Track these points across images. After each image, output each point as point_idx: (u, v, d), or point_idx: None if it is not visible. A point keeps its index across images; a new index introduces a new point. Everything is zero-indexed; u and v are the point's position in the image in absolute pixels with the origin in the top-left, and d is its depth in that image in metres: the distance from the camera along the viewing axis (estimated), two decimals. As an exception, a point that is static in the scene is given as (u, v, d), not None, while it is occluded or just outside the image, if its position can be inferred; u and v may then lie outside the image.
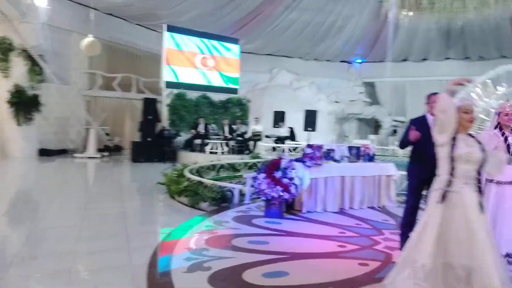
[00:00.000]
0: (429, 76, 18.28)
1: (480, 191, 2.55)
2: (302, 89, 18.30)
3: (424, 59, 18.71)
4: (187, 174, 7.07)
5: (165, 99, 13.94)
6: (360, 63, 20.13)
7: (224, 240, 4.24)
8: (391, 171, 6.45)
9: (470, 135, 2.65)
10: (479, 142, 2.60)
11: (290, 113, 15.23)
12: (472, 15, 10.81)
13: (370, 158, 6.53)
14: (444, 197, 2.49)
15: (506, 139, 3.61)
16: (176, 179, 6.97)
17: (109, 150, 13.89)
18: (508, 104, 3.83)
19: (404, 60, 18.93)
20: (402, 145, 4.26)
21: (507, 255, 3.45)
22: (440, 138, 2.58)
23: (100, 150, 13.16)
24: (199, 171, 8.55)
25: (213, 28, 14.60)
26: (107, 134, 14.46)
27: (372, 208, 6.15)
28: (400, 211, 4.60)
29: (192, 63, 14.28)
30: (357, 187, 6.05)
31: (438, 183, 2.58)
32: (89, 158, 12.34)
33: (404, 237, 4.07)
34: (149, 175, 9.33)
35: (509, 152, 3.58)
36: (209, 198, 5.80)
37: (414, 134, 3.80)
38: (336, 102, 19.05)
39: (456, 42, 16.96)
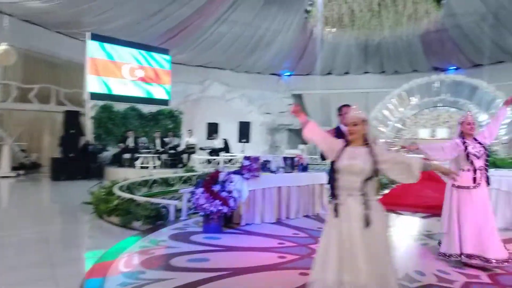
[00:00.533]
0: (351, 88, 19.53)
1: (366, 203, 2.42)
2: (234, 100, 18.45)
3: (346, 73, 19.98)
4: (117, 191, 6.65)
5: (89, 111, 13.07)
6: (288, 76, 20.88)
7: (162, 260, 4.03)
8: (323, 180, 6.72)
9: (367, 145, 2.56)
10: (372, 153, 2.50)
11: (224, 124, 15.23)
12: (387, 33, 11.75)
13: (304, 168, 6.74)
14: (336, 210, 2.47)
15: (466, 148, 4.00)
16: (104, 198, 6.53)
17: (26, 168, 12.58)
18: (470, 115, 4.25)
19: (329, 73, 20.02)
20: (323, 157, 4.45)
21: (469, 256, 3.77)
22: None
23: (15, 169, 11.89)
24: (130, 188, 8.11)
25: (141, 38, 14.10)
26: (23, 151, 13.07)
27: (307, 216, 6.34)
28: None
29: (119, 73, 13.62)
30: (293, 197, 6.19)
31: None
32: (2, 178, 11.08)
33: None
34: (72, 194, 8.64)
35: (468, 159, 3.98)
36: (143, 216, 5.51)
37: None
38: (267, 113, 19.49)
39: (374, 57, 18.42)
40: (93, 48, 12.91)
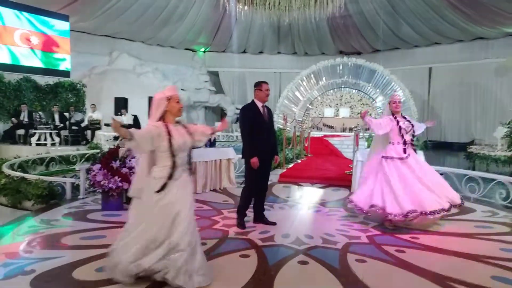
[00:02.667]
0: (265, 68, 20.02)
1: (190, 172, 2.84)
2: (146, 74, 17.59)
3: (261, 52, 20.36)
4: (5, 170, 6.03)
5: (-27, 82, 11.44)
6: (203, 52, 20.55)
7: (52, 240, 3.80)
8: (231, 155, 6.87)
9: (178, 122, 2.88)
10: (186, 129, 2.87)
11: (134, 100, 14.49)
12: (296, 14, 12.18)
13: (212, 144, 6.80)
14: (164, 186, 2.69)
15: (398, 123, 4.49)
16: (-10, 177, 5.88)
17: None
18: (396, 95, 4.78)
19: (244, 52, 20.20)
20: (244, 137, 4.48)
21: (410, 212, 4.16)
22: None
23: None
24: (22, 166, 7.41)
25: (36, 1, 12.55)
26: None
27: (214, 190, 6.46)
28: (238, 192, 4.96)
29: (10, 40, 12.05)
30: (200, 172, 6.24)
31: (160, 172, 2.71)
32: None
33: (243, 210, 4.43)
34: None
35: (400, 133, 4.46)
36: (34, 195, 5.09)
37: (254, 164, 4.16)
38: (182, 90, 19.04)
39: (286, 38, 19.02)
40: (-26, 8, 11.20)
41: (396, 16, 15.64)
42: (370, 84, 14.28)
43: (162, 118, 2.78)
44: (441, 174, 6.08)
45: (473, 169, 10.82)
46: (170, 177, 2.69)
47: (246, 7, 12.14)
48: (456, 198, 4.43)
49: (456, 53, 16.33)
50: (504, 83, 15.02)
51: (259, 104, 4.40)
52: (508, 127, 10.60)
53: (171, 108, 2.77)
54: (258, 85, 4.42)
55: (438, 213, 4.19)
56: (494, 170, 10.39)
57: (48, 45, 13.08)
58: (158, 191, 2.66)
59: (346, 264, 3.29)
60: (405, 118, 4.60)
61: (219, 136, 15.54)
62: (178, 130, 2.79)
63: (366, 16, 16.11)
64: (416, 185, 4.30)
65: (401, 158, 4.43)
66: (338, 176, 7.54)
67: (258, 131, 4.24)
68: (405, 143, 4.46)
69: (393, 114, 4.57)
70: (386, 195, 4.31)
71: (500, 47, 14.96)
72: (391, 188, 4.31)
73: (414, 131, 4.55)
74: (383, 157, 4.52)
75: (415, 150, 4.65)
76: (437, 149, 15.64)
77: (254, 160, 4.16)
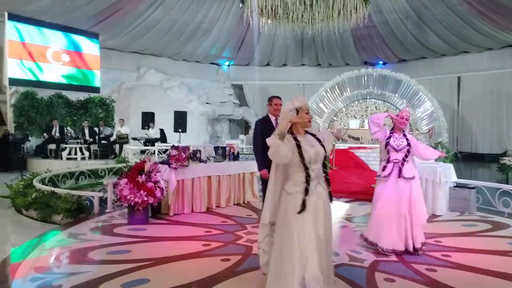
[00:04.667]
0: (288, 80, 20.05)
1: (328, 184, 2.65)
2: (173, 89, 18.00)
3: (284, 65, 20.42)
4: (36, 184, 6.25)
5: (9, 98, 12.02)
6: (228, 66, 20.84)
7: (79, 254, 3.88)
8: (254, 168, 6.84)
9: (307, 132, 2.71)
10: (318, 139, 2.68)
11: (160, 114, 14.81)
12: (320, 27, 12.17)
13: (235, 157, 6.82)
14: (304, 204, 2.47)
15: (388, 139, 4.13)
16: (23, 191, 6.12)
17: None
18: (407, 110, 4.31)
19: (268, 64, 20.33)
20: (255, 150, 4.57)
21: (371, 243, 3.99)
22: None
23: None
24: (53, 180, 7.66)
25: (68, 20, 13.15)
26: None
27: (238, 204, 6.45)
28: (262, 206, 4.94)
29: (43, 57, 12.64)
30: (224, 186, 6.25)
31: (293, 187, 2.53)
32: None
33: None
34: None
35: (385, 149, 4.14)
36: (63, 209, 5.24)
37: (264, 175, 4.16)
38: (207, 103, 19.32)
39: (309, 50, 19.00)
40: (12, 30, 11.84)
41: (422, 25, 15.36)
42: (397, 95, 14.01)
43: (290, 129, 2.61)
44: (472, 188, 5.85)
45: (507, 182, 10.35)
46: (306, 192, 2.49)
47: (269, 21, 12.26)
48: (418, 242, 3.94)
49: (486, 61, 15.82)
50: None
51: (272, 118, 4.51)
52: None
53: (301, 119, 2.60)
54: (269, 100, 4.67)
55: (386, 254, 3.89)
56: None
57: (79, 62, 13.64)
58: (299, 212, 2.46)
59: (374, 283, 3.18)
60: (405, 136, 4.16)
61: (243, 148, 15.60)
62: (308, 141, 2.61)
63: (391, 25, 15.90)
64: (387, 216, 3.99)
65: (382, 176, 4.11)
66: (364, 190, 7.35)
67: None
68: (388, 161, 4.12)
69: (393, 129, 4.19)
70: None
71: (532, 54, 14.41)
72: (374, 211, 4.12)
73: (408, 152, 4.08)
74: (377, 175, 4.26)
75: (400, 172, 4.08)
76: (468, 160, 15.09)
77: (264, 172, 4.24)
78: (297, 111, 2.58)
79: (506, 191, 5.91)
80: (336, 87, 14.81)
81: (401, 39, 16.50)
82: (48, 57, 12.79)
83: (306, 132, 2.70)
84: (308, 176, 2.51)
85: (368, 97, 14.63)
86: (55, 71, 12.98)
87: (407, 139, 4.14)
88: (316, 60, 19.91)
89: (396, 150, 4.09)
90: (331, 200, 2.62)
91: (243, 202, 6.57)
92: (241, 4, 11.70)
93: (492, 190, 6.04)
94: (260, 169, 4.45)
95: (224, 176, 6.27)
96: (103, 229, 4.83)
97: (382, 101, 14.36)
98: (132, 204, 4.89)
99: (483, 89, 15.89)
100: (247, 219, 5.47)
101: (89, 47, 13.92)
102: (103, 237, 4.51)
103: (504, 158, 11.66)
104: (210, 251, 4.01)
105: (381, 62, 18.85)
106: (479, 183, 6.25)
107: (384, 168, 4.14)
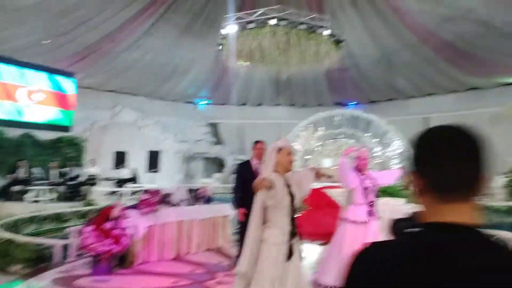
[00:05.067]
0: (264, 119, 20.33)
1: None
2: (147, 127, 17.86)
3: (260, 104, 20.80)
4: (-6, 230, 5.87)
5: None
6: (205, 104, 21.01)
7: (34, 311, 3.60)
8: (227, 212, 6.72)
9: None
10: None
11: (134, 153, 14.59)
12: (294, 69, 12.59)
13: (208, 200, 6.69)
14: (291, 251, 2.40)
15: (363, 182, 4.05)
16: (-22, 239, 5.71)
17: None
18: (365, 150, 4.36)
19: (244, 104, 20.64)
20: (234, 194, 4.60)
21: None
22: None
23: None
24: (16, 225, 7.24)
25: (44, 60, 13.05)
26: None
27: (209, 250, 6.24)
28: (235, 250, 4.83)
29: (12, 96, 12.37)
30: (195, 230, 6.07)
31: (276, 238, 2.44)
32: None
33: None
34: None
35: (364, 193, 4.00)
36: (21, 259, 4.91)
37: (241, 215, 4.21)
38: (183, 141, 19.22)
39: (284, 91, 19.49)
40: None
41: (391, 69, 16.13)
42: (368, 134, 14.40)
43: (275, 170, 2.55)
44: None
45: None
46: (292, 236, 2.42)
47: (246, 63, 12.61)
48: None
49: (451, 103, 16.62)
50: (499, 132, 15.10)
51: (255, 161, 4.53)
52: (507, 177, 10.51)
53: (281, 159, 2.56)
54: (254, 143, 4.72)
55: None
56: (495, 220, 10.16)
57: (53, 101, 13.42)
58: (288, 259, 2.39)
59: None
60: (368, 175, 4.17)
61: (218, 187, 15.42)
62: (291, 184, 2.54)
63: (361, 69, 16.62)
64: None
65: (364, 222, 3.99)
66: (339, 232, 7.30)
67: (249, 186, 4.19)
68: (368, 204, 4.03)
69: (359, 170, 4.12)
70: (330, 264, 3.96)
71: (493, 97, 15.26)
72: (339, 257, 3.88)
73: (377, 188, 4.13)
74: (342, 219, 4.09)
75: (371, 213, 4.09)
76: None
77: (241, 211, 4.25)
78: (279, 151, 2.59)
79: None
80: (310, 127, 15.13)
81: (371, 81, 17.22)
82: (18, 96, 12.52)
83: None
84: (293, 221, 2.43)
85: (340, 137, 14.97)
86: (27, 110, 12.68)
87: (371, 178, 4.14)
88: (291, 101, 20.39)
89: (370, 192, 4.06)
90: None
91: (215, 248, 6.37)
92: (218, 47, 12.01)
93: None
94: (237, 208, 4.48)
95: (196, 220, 6.10)
96: (64, 280, 4.53)
97: (354, 141, 14.72)
98: (97, 253, 4.64)
99: (449, 130, 16.55)
100: (219, 266, 5.28)
101: (65, 86, 13.78)
102: (63, 290, 4.22)
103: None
104: (177, 305, 3.80)
105: (353, 103, 19.50)
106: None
107: (369, 213, 4.02)
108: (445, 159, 0.78)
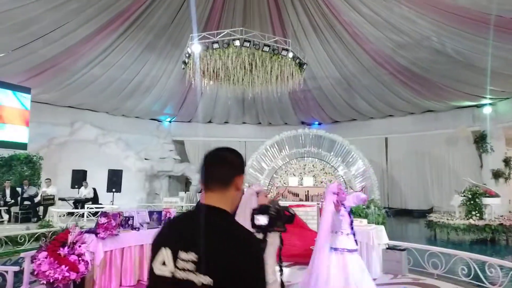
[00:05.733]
0: (230, 137, 20.34)
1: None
2: (109, 145, 17.30)
3: (226, 122, 20.82)
4: None
5: None
6: (169, 122, 20.74)
7: None
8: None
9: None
10: None
11: (93, 171, 14.00)
12: (259, 89, 12.76)
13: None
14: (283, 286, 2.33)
15: (349, 215, 4.31)
16: None
17: None
18: (338, 183, 4.47)
19: (210, 121, 20.59)
20: None
21: None
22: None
23: None
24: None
25: (-2, 73, 12.43)
26: None
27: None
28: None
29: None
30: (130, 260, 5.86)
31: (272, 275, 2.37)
32: None
33: None
34: None
35: (351, 225, 4.25)
36: (-33, 289, 4.54)
37: None
38: (146, 159, 18.77)
39: (250, 110, 19.67)
40: None
41: (352, 91, 16.75)
42: (332, 154, 14.76)
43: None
44: (403, 249, 6.12)
45: (435, 237, 11.03)
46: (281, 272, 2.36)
47: (211, 82, 12.64)
48: None
49: (409, 124, 17.47)
50: (455, 152, 16.01)
51: None
52: (464, 196, 11.08)
53: (262, 201, 2.78)
54: None
55: None
56: (454, 238, 10.64)
57: (5, 117, 12.72)
58: None
59: None
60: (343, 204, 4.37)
61: (182, 207, 15.12)
62: None
63: (324, 90, 17.13)
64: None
65: (351, 251, 4.21)
66: (304, 253, 7.32)
67: None
68: (354, 234, 4.29)
69: (339, 204, 4.29)
70: None
71: (448, 119, 16.20)
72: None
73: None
74: (333, 248, 4.27)
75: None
76: (398, 216, 15.94)
77: None
78: (257, 194, 2.92)
79: (434, 252, 6.23)
80: (276, 145, 15.31)
81: (333, 102, 17.77)
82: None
83: None
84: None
85: (305, 156, 15.24)
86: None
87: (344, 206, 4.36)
88: (257, 119, 20.58)
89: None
90: None
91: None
92: (183, 65, 11.98)
93: (421, 251, 6.34)
94: None
95: (135, 246, 5.89)
96: (13, 312, 4.23)
97: (319, 160, 15.03)
98: (51, 281, 4.37)
99: (407, 149, 17.34)
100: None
101: (19, 102, 13.12)
102: (12, 323, 3.93)
103: (431, 214, 12.54)
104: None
105: (317, 123, 20.00)
106: (409, 245, 6.54)
107: (356, 242, 4.29)
108: (206, 165, 1.34)
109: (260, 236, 1.70)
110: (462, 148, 15.70)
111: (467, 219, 10.45)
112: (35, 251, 4.99)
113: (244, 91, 14.35)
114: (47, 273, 4.40)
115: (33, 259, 4.73)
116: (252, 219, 1.84)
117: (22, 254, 5.40)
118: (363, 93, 16.60)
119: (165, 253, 1.19)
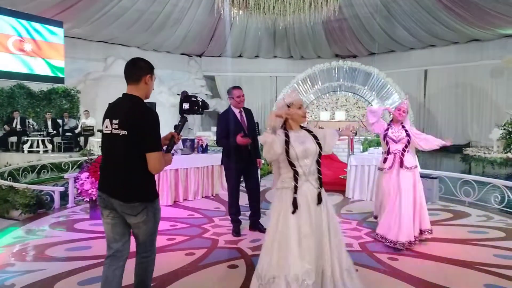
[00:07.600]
0: (261, 72, 19.99)
1: (320, 183, 2.50)
2: (142, 80, 17.54)
3: (256, 56, 20.30)
4: (-8, 178, 5.95)
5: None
6: (199, 56, 20.51)
7: (36, 251, 3.72)
8: (223, 161, 6.77)
9: (302, 128, 2.62)
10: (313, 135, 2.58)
11: (129, 105, 14.38)
12: (291, 18, 12.14)
13: (204, 149, 6.72)
14: (295, 204, 2.39)
15: (386, 130, 4.19)
16: (-23, 186, 5.79)
17: None
18: (405, 103, 4.32)
19: (240, 56, 20.15)
20: (219, 143, 4.44)
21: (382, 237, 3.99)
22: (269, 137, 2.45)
23: None
24: (13, 174, 7.33)
25: (30, 8, 12.48)
26: None
27: (207, 197, 6.37)
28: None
29: (4, 46, 11.98)
30: (192, 178, 6.15)
31: (282, 183, 2.49)
32: None
33: (233, 216, 4.40)
34: None
35: (384, 141, 4.20)
36: (21, 204, 5.00)
37: (241, 140, 3.94)
38: (178, 94, 18.98)
39: (281, 42, 18.98)
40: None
41: (391, 19, 15.62)
42: (366, 87, 14.25)
43: (284, 125, 2.55)
44: (435, 178, 6.03)
45: (469, 171, 10.78)
46: (295, 190, 2.41)
47: (241, 12, 12.12)
48: (426, 224, 4.08)
49: (452, 55, 16.32)
50: (499, 84, 14.99)
51: (236, 110, 4.33)
52: (504, 129, 10.57)
53: (293, 114, 2.54)
54: (229, 93, 4.33)
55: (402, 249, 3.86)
56: (490, 172, 10.36)
57: (42, 52, 13.02)
58: (293, 212, 2.38)
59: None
60: (403, 127, 4.20)
61: (214, 140, 15.49)
62: (300, 137, 2.51)
63: (361, 19, 16.09)
64: (397, 208, 3.99)
65: (385, 169, 4.16)
66: (333, 181, 7.45)
67: (235, 135, 4.07)
68: (388, 152, 4.18)
69: (391, 121, 4.26)
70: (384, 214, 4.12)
71: (495, 49, 14.94)
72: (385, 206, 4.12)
73: (408, 142, 4.11)
74: (379, 168, 4.37)
75: (401, 163, 4.11)
76: (433, 151, 15.58)
77: (239, 139, 3.95)
78: (288, 106, 2.53)
79: (467, 180, 6.11)
80: (308, 79, 14.91)
81: (370, 32, 16.74)
82: (9, 46, 12.12)
83: (302, 128, 2.60)
84: (296, 173, 2.43)
85: (338, 90, 14.81)
86: (16, 60, 12.34)
87: (406, 130, 4.18)
88: (288, 52, 19.92)
89: (395, 142, 4.15)
90: (319, 201, 2.43)
91: (212, 195, 6.50)
92: (211, -6, 11.50)
93: (454, 180, 6.24)
94: (226, 154, 4.32)
95: (192, 168, 6.17)
96: (63, 225, 4.65)
97: (352, 94, 14.59)
98: (94, 198, 4.72)
99: (448, 82, 16.41)
100: (215, 212, 5.41)
101: (53, 36, 13.30)
102: (63, 233, 4.34)
103: (467, 148, 12.15)
104: (174, 246, 3.93)
105: (352, 55, 19.08)
106: (442, 173, 6.44)
107: (385, 160, 4.20)
108: (125, 69, 2.32)
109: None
110: (508, 80, 14.63)
111: (505, 153, 10.06)
112: (77, 173, 5.34)
113: (275, 21, 13.69)
114: (89, 191, 4.74)
115: (76, 179, 5.08)
116: (181, 106, 2.62)
117: (65, 176, 5.82)
118: (404, 21, 15.45)
119: (107, 122, 2.23)
